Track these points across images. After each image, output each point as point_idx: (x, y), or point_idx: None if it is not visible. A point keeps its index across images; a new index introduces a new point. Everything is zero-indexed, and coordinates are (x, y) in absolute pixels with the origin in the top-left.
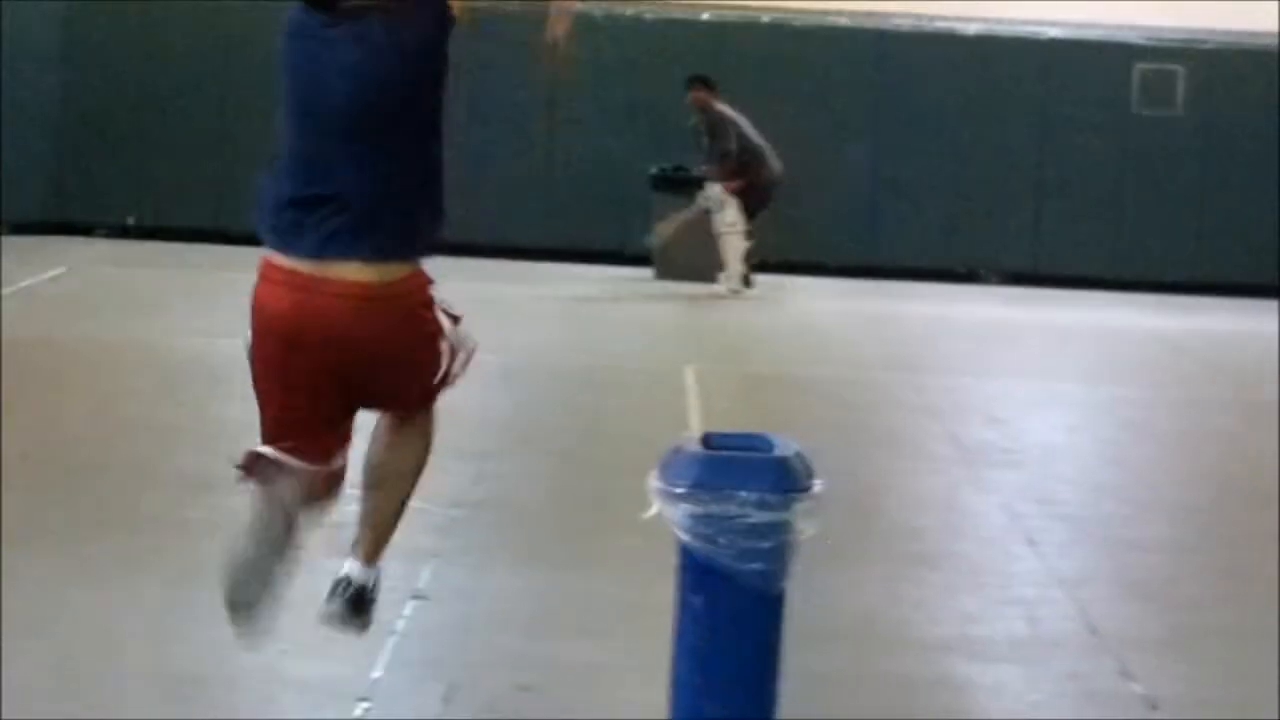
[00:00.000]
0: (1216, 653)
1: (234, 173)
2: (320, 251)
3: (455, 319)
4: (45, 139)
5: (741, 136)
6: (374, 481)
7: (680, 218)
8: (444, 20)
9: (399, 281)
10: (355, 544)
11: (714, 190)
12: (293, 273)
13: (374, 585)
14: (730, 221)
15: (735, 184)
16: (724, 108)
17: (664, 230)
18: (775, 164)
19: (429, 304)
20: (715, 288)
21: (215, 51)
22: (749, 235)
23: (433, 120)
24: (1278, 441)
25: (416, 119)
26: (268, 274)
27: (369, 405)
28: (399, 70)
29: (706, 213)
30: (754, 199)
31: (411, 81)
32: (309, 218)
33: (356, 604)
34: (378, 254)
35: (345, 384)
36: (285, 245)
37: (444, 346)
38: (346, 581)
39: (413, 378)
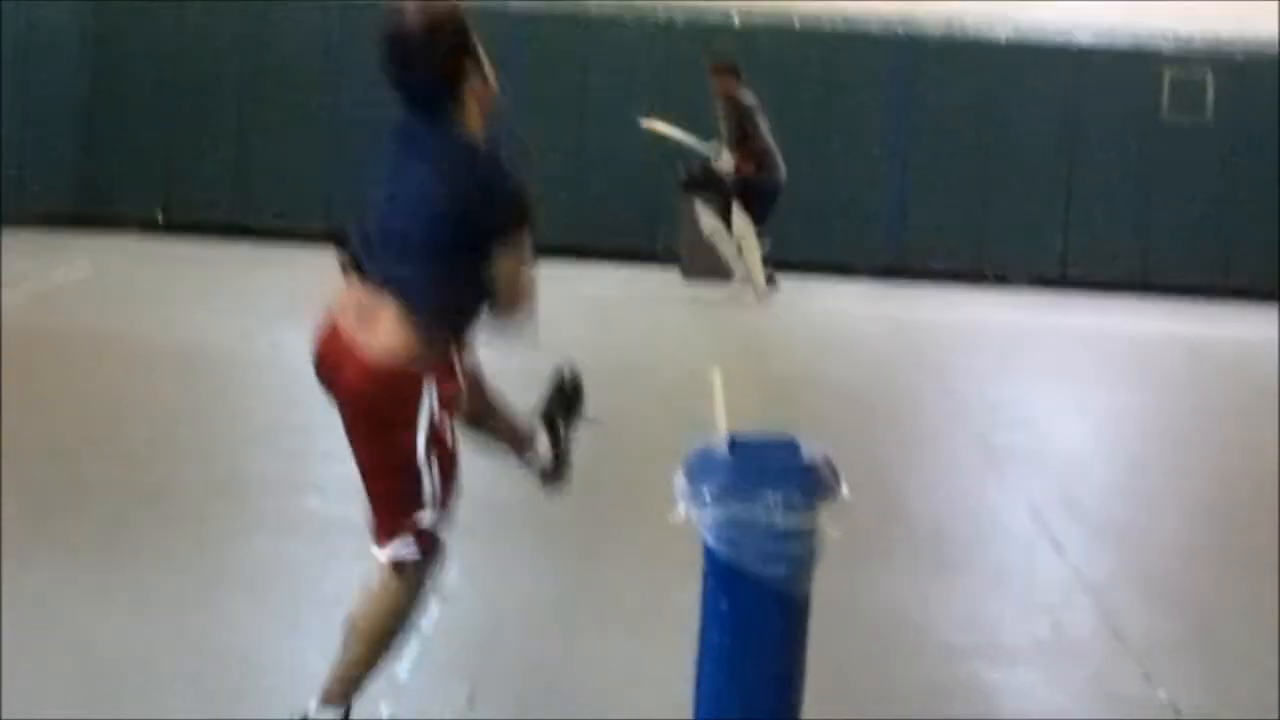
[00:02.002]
0: (1240, 658)
1: (259, 169)
2: (372, 267)
3: (441, 439)
4: (72, 133)
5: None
6: (346, 630)
7: (680, 132)
8: (505, 214)
9: (396, 365)
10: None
11: (724, 157)
12: (333, 325)
13: None
14: (742, 232)
15: (748, 169)
16: (748, 95)
17: (658, 124)
18: (782, 168)
19: (414, 396)
20: (744, 298)
21: (242, 47)
22: (761, 237)
23: (472, 252)
24: None
25: (459, 241)
26: (324, 318)
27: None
28: (452, 199)
29: (705, 158)
30: (760, 202)
31: (459, 215)
32: (369, 249)
33: None
34: (395, 298)
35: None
36: (356, 264)
37: (416, 434)
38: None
39: (384, 460)
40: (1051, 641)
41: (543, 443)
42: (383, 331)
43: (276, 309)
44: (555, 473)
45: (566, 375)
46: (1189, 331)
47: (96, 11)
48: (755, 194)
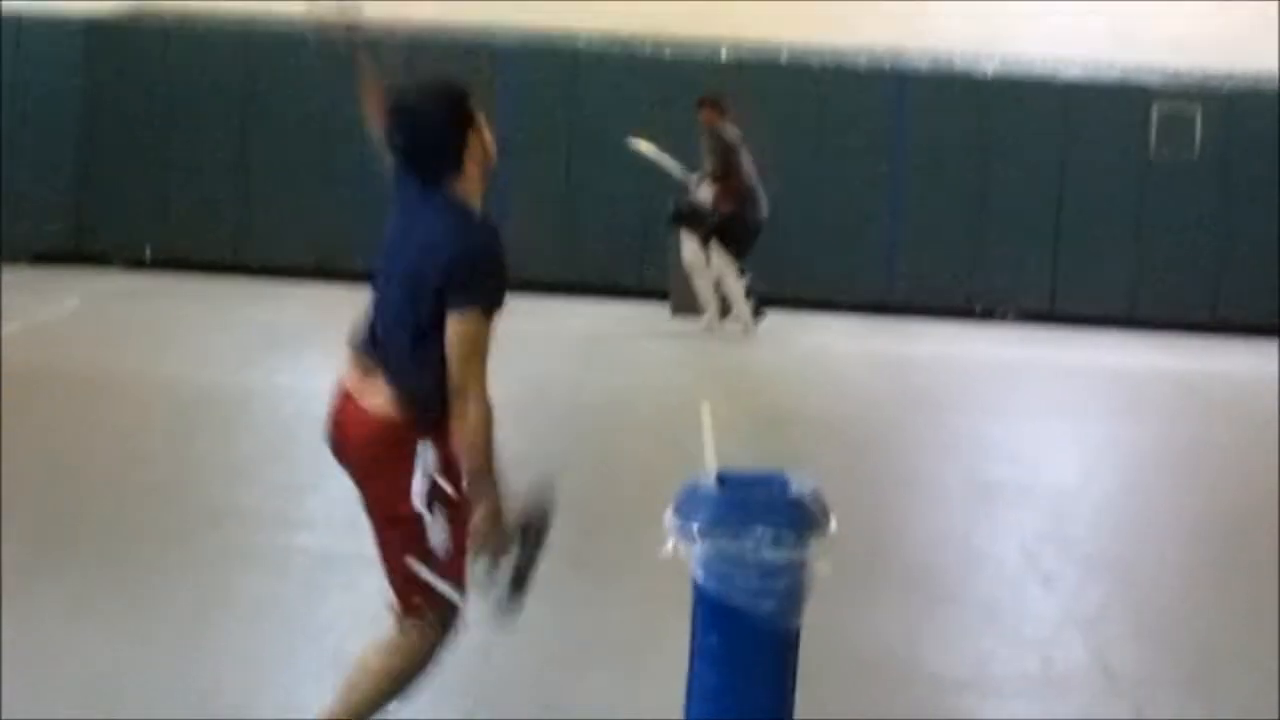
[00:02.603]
0: (1231, 693)
1: (251, 205)
2: (361, 345)
3: (447, 498)
4: (65, 170)
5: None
6: (356, 671)
7: (664, 156)
8: (482, 284)
9: (392, 421)
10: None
11: (704, 190)
12: (341, 390)
13: None
14: (722, 265)
15: (728, 204)
16: (732, 131)
17: (644, 145)
18: (764, 206)
19: (408, 453)
20: (729, 327)
21: (235, 84)
22: (742, 272)
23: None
24: None
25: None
26: (337, 388)
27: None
28: (440, 268)
29: (682, 183)
30: (739, 237)
31: (443, 284)
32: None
33: None
34: (386, 375)
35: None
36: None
37: (414, 501)
38: None
39: (390, 515)
40: (1041, 676)
41: (506, 564)
42: (379, 390)
43: (267, 344)
44: (512, 596)
45: (537, 499)
46: (1178, 366)
47: (93, 49)
48: (735, 229)
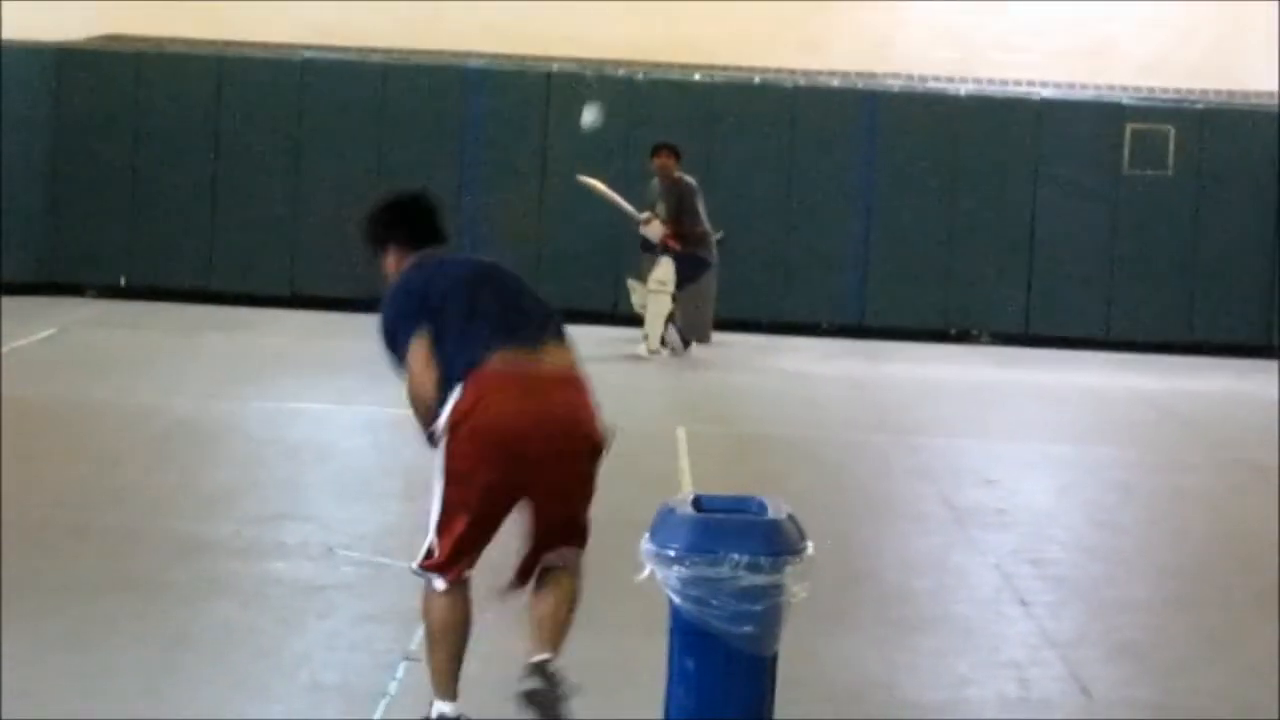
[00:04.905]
0: (1207, 715)
1: (224, 232)
2: (529, 342)
3: None
4: (37, 200)
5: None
6: (567, 612)
7: (614, 193)
8: None
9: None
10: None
11: (654, 228)
12: (557, 374)
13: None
14: (661, 280)
15: (676, 245)
16: (686, 177)
17: (594, 182)
18: (713, 249)
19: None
20: (637, 349)
21: (206, 112)
22: (673, 300)
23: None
24: (1269, 503)
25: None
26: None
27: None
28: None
29: (631, 216)
30: (683, 271)
31: None
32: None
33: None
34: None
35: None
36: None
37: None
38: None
39: (592, 484)
40: (1018, 699)
41: None
42: (574, 375)
43: (240, 372)
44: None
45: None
46: (1153, 386)
47: (63, 77)
48: (682, 270)
